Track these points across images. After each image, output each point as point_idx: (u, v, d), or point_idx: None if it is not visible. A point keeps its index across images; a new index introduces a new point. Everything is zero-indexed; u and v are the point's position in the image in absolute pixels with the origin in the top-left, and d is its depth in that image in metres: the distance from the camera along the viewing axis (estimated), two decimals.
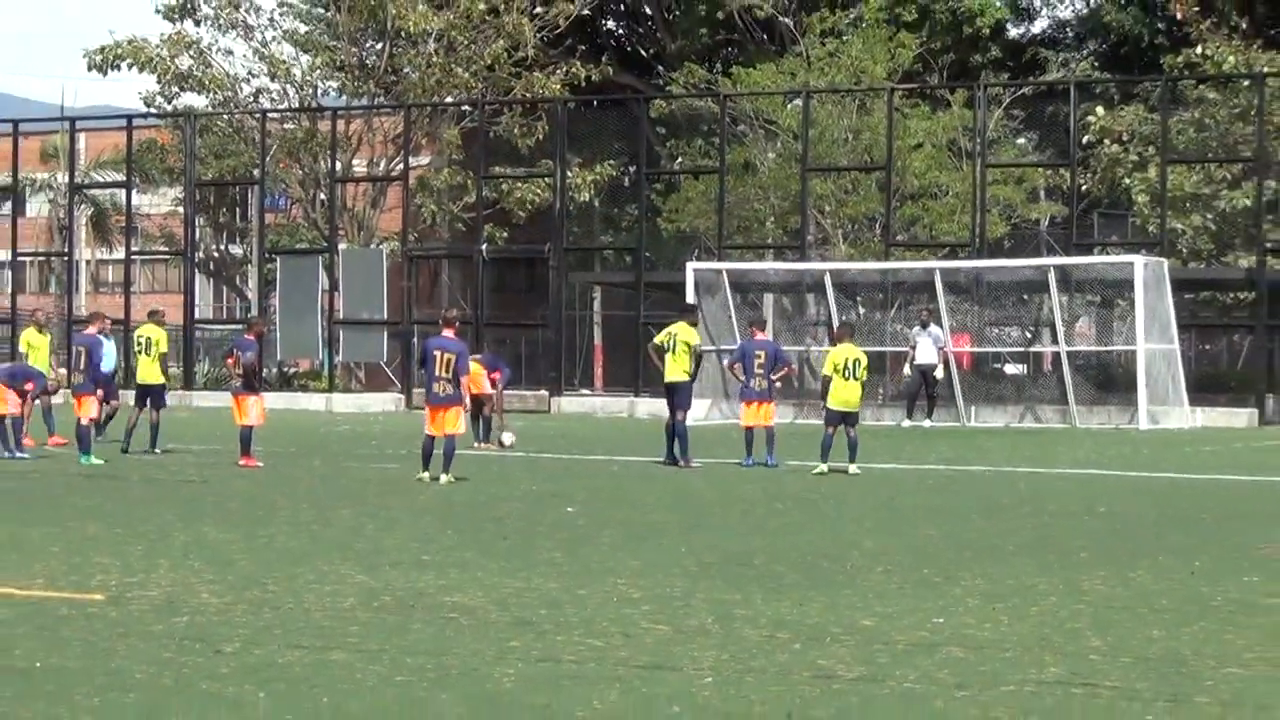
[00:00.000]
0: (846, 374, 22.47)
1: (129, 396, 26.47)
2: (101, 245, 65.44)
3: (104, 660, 9.34)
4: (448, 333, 21.08)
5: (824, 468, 22.11)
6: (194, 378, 46.62)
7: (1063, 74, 52.14)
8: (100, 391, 24.67)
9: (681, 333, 24.08)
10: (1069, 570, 13.10)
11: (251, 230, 55.24)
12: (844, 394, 22.52)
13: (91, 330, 25.15)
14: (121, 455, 24.55)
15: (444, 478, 20.41)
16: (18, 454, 23.96)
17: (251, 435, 23.16)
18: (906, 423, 34.93)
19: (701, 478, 22.04)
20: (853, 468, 22.20)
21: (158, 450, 25.15)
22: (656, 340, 24.68)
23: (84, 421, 23.30)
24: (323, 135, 49.67)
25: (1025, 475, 22.97)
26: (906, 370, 36.17)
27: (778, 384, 25.26)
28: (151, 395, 26.00)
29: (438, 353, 20.67)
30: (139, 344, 26.37)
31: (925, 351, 35.18)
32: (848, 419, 22.57)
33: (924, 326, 35.74)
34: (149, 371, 26.09)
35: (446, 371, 20.57)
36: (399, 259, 47.72)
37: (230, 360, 24.39)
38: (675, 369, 23.84)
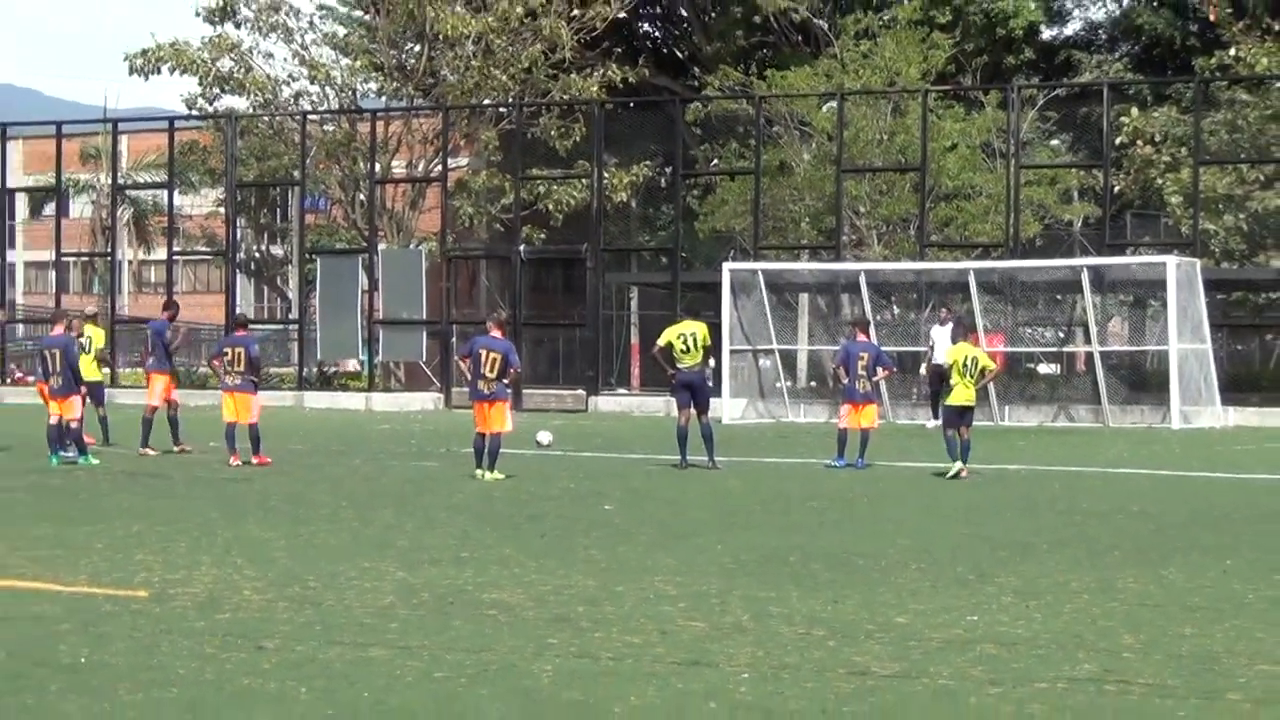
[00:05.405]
0: (965, 373, 22.57)
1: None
2: (143, 246, 65.69)
3: (147, 656, 9.46)
4: (495, 332, 21.40)
5: (957, 466, 21.91)
6: None
7: (1096, 76, 51.93)
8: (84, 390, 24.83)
9: (700, 331, 23.55)
10: (1102, 569, 13.15)
11: (292, 231, 55.38)
12: (964, 394, 22.52)
13: (58, 331, 24.91)
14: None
15: (488, 474, 20.69)
16: (66, 454, 24.09)
17: (259, 432, 23.40)
18: (930, 423, 34.67)
19: (737, 476, 22.10)
20: (963, 468, 21.93)
21: (110, 444, 26.04)
22: (663, 341, 23.47)
23: (71, 421, 23.35)
24: (362, 137, 49.80)
25: (1059, 474, 22.93)
26: (923, 370, 35.88)
27: (879, 384, 25.43)
28: (91, 392, 26.70)
29: (483, 351, 21.09)
30: (79, 345, 26.95)
31: (944, 350, 34.72)
32: (964, 418, 22.52)
33: (941, 324, 35.35)
34: (88, 369, 26.83)
35: (491, 370, 20.95)
36: (438, 259, 47.78)
37: (216, 361, 24.50)
38: (703, 366, 23.27)
